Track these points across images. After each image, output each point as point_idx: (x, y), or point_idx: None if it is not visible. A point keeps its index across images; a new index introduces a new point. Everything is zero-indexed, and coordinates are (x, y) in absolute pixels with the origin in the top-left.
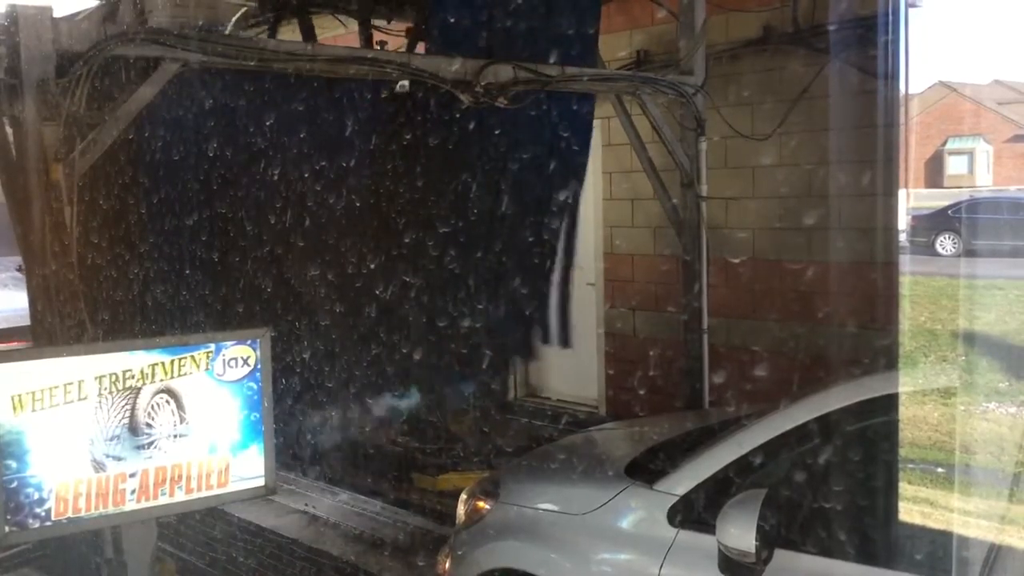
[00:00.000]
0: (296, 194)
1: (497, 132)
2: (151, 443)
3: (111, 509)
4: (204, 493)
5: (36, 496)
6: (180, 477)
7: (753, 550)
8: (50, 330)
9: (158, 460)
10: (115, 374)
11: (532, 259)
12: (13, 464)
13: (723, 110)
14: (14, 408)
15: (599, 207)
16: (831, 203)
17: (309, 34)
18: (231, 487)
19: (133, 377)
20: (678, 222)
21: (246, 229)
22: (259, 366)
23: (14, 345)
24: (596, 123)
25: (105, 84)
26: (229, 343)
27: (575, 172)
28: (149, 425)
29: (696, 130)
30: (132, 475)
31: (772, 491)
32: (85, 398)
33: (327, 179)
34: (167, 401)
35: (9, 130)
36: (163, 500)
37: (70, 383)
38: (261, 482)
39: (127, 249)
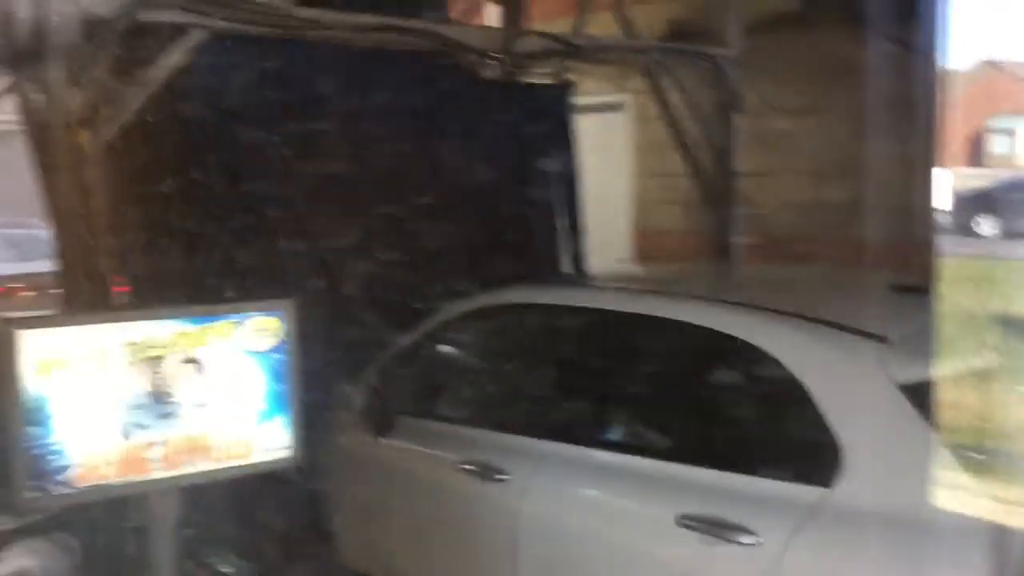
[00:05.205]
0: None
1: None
2: (175, 412)
3: (135, 477)
4: (228, 463)
5: (60, 463)
6: (204, 447)
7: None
8: (76, 297)
9: (182, 429)
10: (140, 342)
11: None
12: (37, 430)
13: (757, 84)
14: (39, 374)
15: (630, 182)
16: (868, 180)
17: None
18: (256, 458)
19: (158, 345)
20: (711, 199)
21: (269, 196)
22: (285, 336)
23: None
24: (629, 97)
25: (133, 50)
26: (255, 313)
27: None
28: (174, 394)
29: (730, 104)
30: (157, 444)
31: (379, 380)
32: (110, 365)
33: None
34: (192, 370)
35: (36, 96)
36: (187, 469)
37: (95, 350)
38: (286, 454)
39: (153, 217)
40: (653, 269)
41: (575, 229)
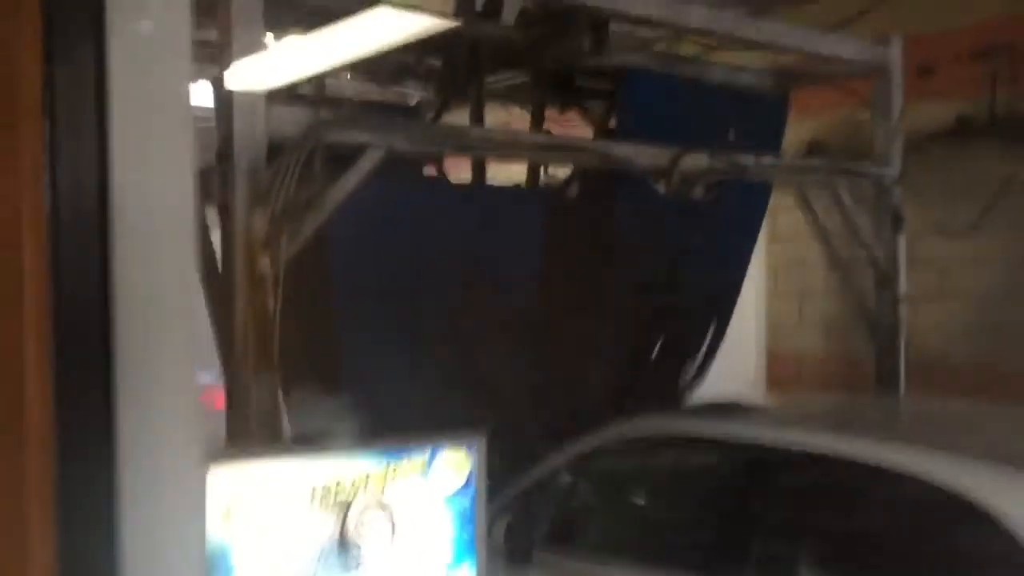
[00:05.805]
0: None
1: (668, 223)
2: (360, 562)
3: None
4: None
5: None
6: None
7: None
8: (244, 430)
9: None
10: (326, 484)
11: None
12: None
13: (912, 203)
14: (223, 518)
15: (761, 303)
16: None
17: (479, 121)
18: None
19: (345, 485)
20: (867, 322)
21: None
22: (474, 473)
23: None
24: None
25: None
26: (446, 447)
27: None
28: (360, 542)
29: (894, 224)
30: None
31: (518, 510)
32: (293, 507)
33: (508, 278)
34: (380, 515)
35: (211, 218)
36: None
37: (278, 490)
38: None
39: (323, 344)
40: (800, 398)
41: (712, 349)
